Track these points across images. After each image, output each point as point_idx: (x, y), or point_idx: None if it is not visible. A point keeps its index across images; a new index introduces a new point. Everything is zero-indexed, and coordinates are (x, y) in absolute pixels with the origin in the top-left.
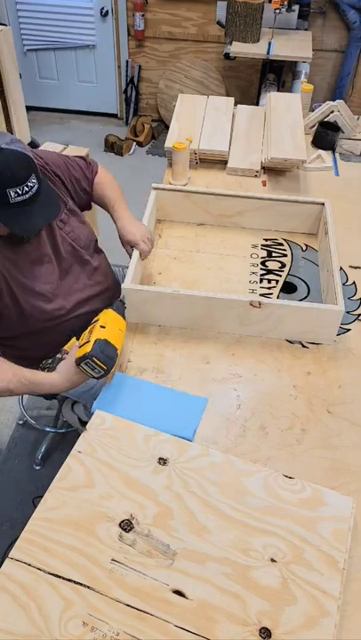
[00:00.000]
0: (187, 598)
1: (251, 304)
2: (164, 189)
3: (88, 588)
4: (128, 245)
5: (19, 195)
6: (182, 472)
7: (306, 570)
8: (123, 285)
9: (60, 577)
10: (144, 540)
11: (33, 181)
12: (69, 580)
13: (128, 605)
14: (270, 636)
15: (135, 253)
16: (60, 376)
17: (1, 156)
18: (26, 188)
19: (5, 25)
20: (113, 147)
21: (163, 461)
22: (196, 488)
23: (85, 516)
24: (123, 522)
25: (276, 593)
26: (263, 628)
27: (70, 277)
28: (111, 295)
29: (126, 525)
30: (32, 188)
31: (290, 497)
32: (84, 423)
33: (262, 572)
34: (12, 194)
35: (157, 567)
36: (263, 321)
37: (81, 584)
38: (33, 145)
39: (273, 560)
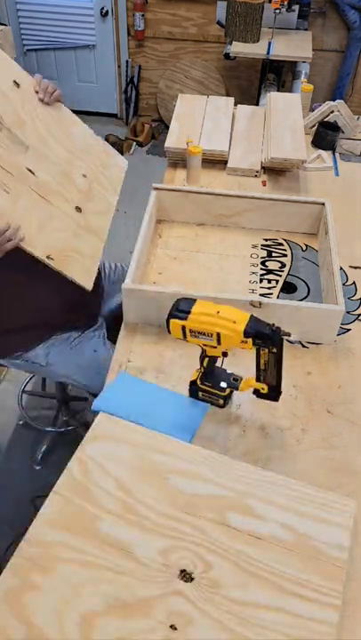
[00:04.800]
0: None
1: (251, 304)
2: (164, 189)
3: None
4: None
5: None
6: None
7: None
8: (123, 285)
9: None
10: None
11: None
12: None
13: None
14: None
15: (136, 255)
16: None
17: None
18: None
19: (5, 25)
20: (113, 147)
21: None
22: None
23: None
24: None
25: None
26: None
27: None
28: None
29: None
30: None
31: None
32: None
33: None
34: None
35: None
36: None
37: None
38: None
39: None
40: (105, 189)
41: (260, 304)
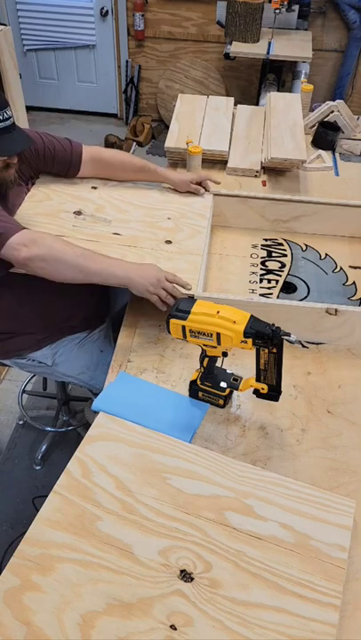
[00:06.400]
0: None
1: (327, 311)
2: (222, 195)
3: None
4: (190, 185)
5: (0, 121)
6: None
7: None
8: (196, 295)
9: None
10: None
11: (9, 112)
12: None
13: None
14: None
15: (204, 265)
16: (130, 264)
17: None
18: (6, 115)
19: (5, 25)
20: (113, 147)
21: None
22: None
23: None
24: None
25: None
26: None
27: None
28: None
29: None
30: (9, 117)
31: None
32: None
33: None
34: None
35: None
36: (337, 328)
37: None
38: None
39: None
40: (192, 219)
41: (336, 311)
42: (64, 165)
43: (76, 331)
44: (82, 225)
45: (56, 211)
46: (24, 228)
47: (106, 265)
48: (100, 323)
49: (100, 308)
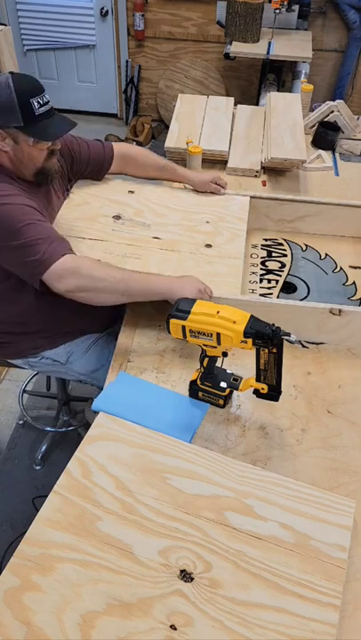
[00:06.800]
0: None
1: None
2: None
3: None
4: (210, 185)
5: (41, 105)
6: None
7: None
8: (235, 298)
9: None
10: None
11: (47, 97)
12: None
13: None
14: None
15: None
16: (170, 277)
17: (14, 76)
18: (45, 99)
19: (5, 25)
20: None
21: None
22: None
23: None
24: None
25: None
26: None
27: None
28: None
29: None
30: (48, 101)
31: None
32: None
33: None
34: (36, 104)
35: None
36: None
37: None
38: None
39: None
40: (230, 223)
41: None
42: (97, 165)
43: (91, 331)
44: (121, 229)
45: (95, 215)
46: (66, 252)
47: (147, 284)
48: (112, 324)
49: (112, 309)
